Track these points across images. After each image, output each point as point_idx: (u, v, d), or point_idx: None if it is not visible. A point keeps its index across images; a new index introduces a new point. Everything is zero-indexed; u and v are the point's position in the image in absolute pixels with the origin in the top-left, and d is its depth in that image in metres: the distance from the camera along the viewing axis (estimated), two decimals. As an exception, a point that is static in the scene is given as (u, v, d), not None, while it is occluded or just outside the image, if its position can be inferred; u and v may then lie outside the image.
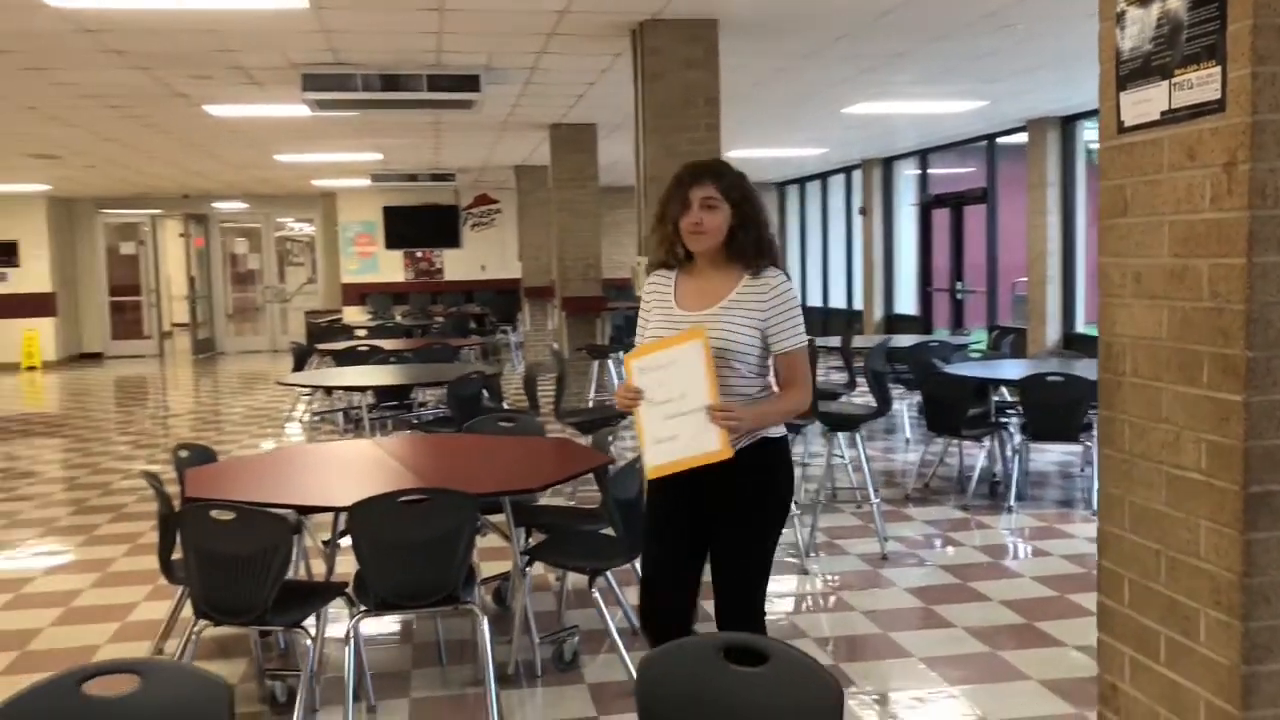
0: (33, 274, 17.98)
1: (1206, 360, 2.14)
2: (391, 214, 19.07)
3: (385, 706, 4.00)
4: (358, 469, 4.48)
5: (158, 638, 4.52)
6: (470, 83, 7.69)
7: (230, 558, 3.51)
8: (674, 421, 2.91)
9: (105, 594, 5.45)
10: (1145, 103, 2.26)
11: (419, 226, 19.26)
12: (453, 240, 19.41)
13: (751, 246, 3.09)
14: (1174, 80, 2.18)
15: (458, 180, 16.85)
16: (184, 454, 4.56)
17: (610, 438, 4.72)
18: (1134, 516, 2.33)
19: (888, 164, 15.82)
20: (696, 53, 6.45)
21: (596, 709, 3.88)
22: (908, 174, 15.73)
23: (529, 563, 4.23)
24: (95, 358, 18.84)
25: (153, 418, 12.11)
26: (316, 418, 10.77)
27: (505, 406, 7.82)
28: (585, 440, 5.51)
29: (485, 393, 7.50)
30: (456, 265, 19.52)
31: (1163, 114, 2.22)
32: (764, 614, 3.17)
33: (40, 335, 17.91)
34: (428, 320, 15.30)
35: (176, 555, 3.93)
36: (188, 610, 3.73)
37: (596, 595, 4.19)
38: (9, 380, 16.39)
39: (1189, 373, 2.19)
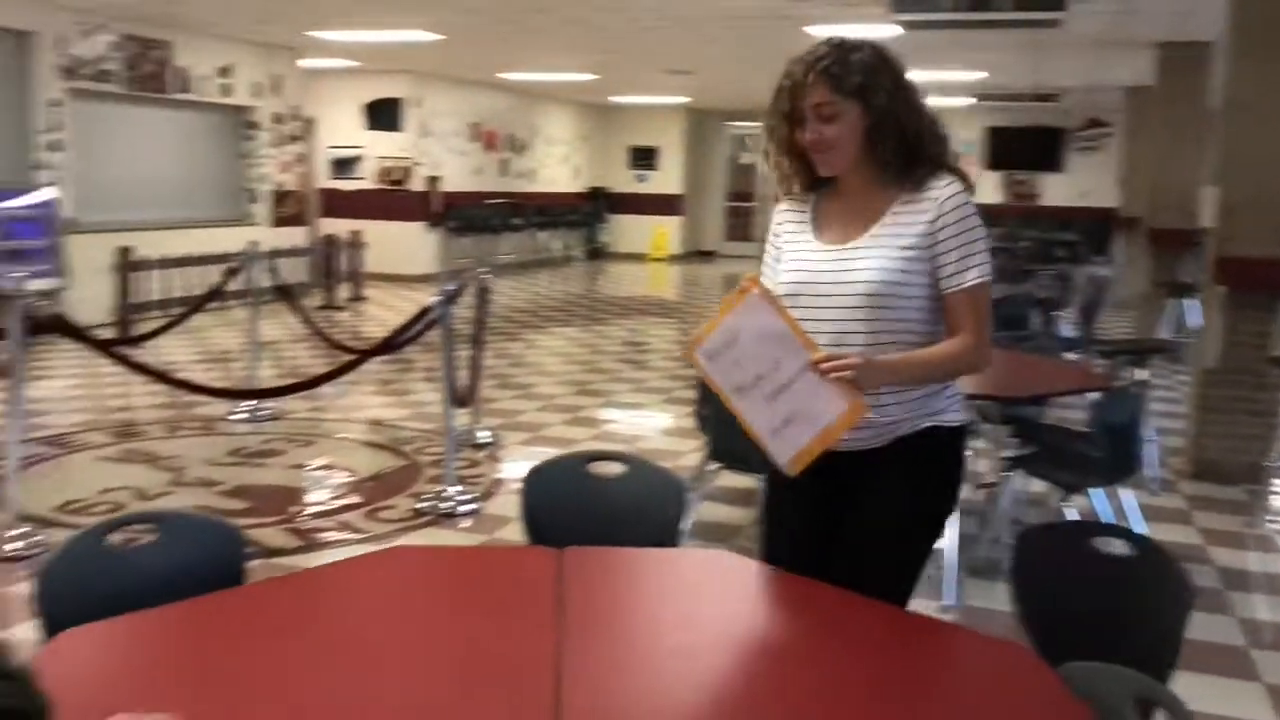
0: (668, 177, 20.59)
1: None
2: (993, 134, 18.92)
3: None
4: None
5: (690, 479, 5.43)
6: (1056, 1, 7.55)
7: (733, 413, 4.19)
8: (780, 401, 2.29)
9: (671, 442, 6.56)
10: None
11: (1021, 148, 18.91)
12: (1054, 164, 18.80)
13: (895, 154, 2.26)
14: None
15: (1063, 101, 16.21)
16: (730, 331, 5.40)
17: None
18: None
19: None
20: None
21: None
22: None
23: (1011, 468, 4.44)
24: (709, 255, 21.15)
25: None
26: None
27: (1059, 331, 7.74)
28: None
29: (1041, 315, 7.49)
30: (1057, 190, 18.90)
31: None
32: None
33: (669, 232, 20.52)
34: (1012, 243, 15.10)
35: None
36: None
37: (1064, 509, 4.31)
38: (639, 268, 19.08)
39: None
